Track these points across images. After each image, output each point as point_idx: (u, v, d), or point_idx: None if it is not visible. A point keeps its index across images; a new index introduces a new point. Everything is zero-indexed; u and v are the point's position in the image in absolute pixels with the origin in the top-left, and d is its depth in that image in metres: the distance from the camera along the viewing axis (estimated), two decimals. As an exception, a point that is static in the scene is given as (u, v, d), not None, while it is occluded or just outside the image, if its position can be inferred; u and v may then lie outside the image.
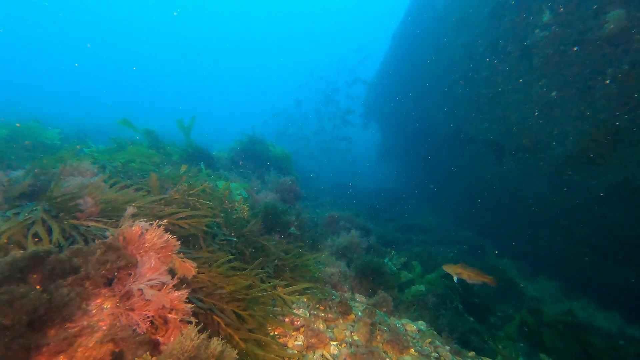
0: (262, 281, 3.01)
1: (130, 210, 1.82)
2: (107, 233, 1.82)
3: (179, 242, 2.12)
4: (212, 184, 4.30)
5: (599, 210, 5.19)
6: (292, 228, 4.22)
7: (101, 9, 55.42)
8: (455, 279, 3.82)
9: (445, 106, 9.47)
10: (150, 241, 2.04)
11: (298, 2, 61.53)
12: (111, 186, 2.76)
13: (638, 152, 4.41)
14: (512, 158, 6.92)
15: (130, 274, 1.94)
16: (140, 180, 3.25)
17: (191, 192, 2.73)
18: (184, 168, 3.27)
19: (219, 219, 2.76)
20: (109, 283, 1.84)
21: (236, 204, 4.42)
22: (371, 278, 4.11)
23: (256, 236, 3.22)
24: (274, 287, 2.82)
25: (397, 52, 14.32)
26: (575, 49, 4.77)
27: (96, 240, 1.77)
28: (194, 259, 2.39)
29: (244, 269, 2.86)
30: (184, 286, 1.94)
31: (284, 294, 2.77)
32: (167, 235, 2.07)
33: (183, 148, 6.24)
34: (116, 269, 1.77)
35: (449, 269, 3.80)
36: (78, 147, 4.26)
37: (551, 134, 5.70)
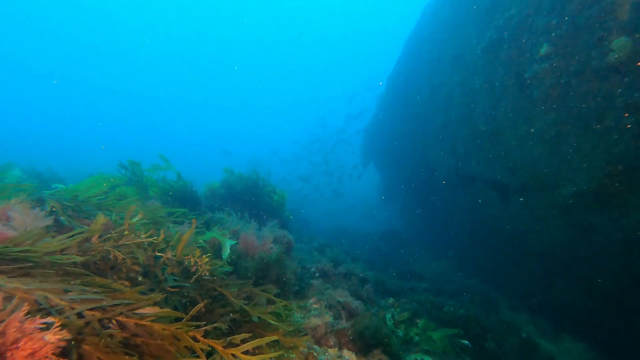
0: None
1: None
2: None
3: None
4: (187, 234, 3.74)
5: (624, 259, 4.52)
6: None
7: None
8: None
9: (443, 145, 9.18)
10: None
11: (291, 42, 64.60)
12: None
13: (663, 191, 3.90)
14: (518, 198, 6.39)
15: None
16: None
17: (121, 242, 2.16)
18: (140, 215, 2.80)
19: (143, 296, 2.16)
20: None
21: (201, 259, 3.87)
22: (368, 339, 3.39)
23: (212, 282, 2.58)
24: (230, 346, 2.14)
25: (392, 92, 14.56)
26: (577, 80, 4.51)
27: None
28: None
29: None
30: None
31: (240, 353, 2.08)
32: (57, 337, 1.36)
33: (164, 183, 5.74)
34: None
35: None
36: None
37: (559, 171, 5.24)
